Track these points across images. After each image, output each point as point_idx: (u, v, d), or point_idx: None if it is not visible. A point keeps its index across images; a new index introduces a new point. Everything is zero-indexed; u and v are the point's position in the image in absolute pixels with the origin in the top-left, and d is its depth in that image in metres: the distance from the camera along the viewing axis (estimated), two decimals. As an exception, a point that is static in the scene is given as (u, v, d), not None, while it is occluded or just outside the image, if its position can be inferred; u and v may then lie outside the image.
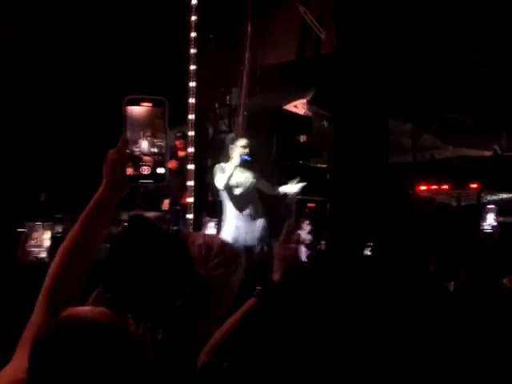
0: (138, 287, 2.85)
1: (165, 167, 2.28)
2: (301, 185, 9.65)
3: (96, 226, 2.32)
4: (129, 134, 2.27)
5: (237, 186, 9.58)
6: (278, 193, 9.81)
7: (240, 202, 9.61)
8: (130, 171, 2.27)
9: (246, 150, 9.49)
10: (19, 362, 2.07)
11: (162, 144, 2.29)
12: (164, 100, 2.31)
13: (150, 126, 2.28)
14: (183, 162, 11.31)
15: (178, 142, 11.56)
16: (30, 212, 10.60)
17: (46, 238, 3.94)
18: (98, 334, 1.85)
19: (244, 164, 9.51)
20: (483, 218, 6.50)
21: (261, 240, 9.60)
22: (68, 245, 2.29)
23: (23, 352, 2.08)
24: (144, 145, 2.27)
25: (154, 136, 2.28)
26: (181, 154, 11.46)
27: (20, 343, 2.16)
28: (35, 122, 12.22)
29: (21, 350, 2.13)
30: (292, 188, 9.67)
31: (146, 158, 2.27)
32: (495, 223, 6.08)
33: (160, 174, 2.27)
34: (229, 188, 9.54)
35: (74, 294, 2.17)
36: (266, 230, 9.64)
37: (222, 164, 9.66)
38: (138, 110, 2.29)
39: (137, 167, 2.27)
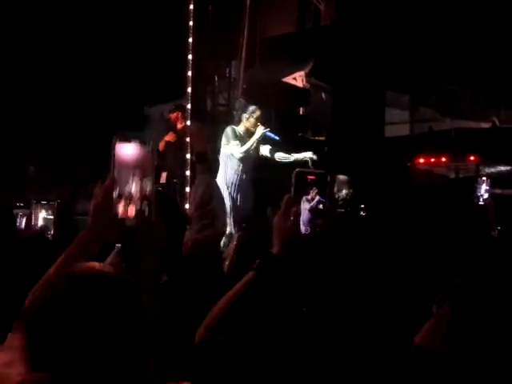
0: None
1: (151, 208, 2.24)
2: (306, 155, 9.72)
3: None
4: (116, 174, 2.23)
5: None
6: (282, 159, 9.72)
7: (243, 172, 9.57)
8: (117, 212, 2.23)
9: (263, 126, 9.47)
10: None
11: (150, 183, 2.26)
12: (150, 141, 2.29)
13: (138, 166, 2.25)
14: (181, 134, 11.26)
15: (172, 116, 11.50)
16: (20, 186, 10.62)
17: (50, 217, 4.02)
18: (106, 285, 1.91)
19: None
20: (477, 191, 6.47)
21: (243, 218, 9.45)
22: (43, 283, 2.24)
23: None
24: (133, 185, 2.23)
25: (142, 176, 2.25)
26: (179, 126, 11.42)
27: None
28: (27, 96, 12.18)
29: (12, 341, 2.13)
30: (297, 156, 9.70)
31: (134, 199, 2.23)
32: (486, 195, 6.04)
33: (146, 215, 2.24)
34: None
35: None
36: (249, 211, 9.52)
37: (234, 127, 9.62)
38: (127, 150, 2.25)
39: (124, 208, 2.23)
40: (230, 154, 9.52)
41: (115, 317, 1.87)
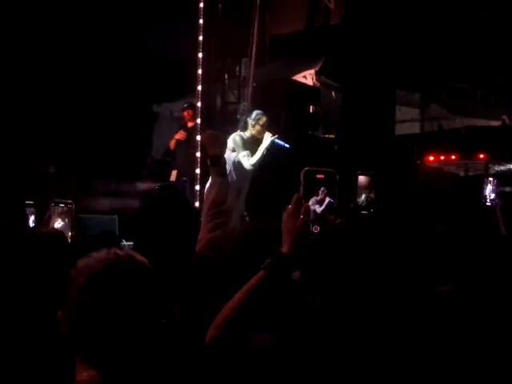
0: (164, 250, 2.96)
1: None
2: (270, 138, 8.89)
3: None
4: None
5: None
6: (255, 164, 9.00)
7: (236, 179, 9.12)
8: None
9: (271, 133, 8.86)
10: None
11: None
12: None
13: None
14: (192, 132, 11.30)
15: (185, 113, 11.55)
16: (40, 184, 10.66)
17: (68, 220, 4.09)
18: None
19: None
20: (484, 190, 6.41)
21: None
22: None
23: None
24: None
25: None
26: (190, 124, 11.46)
27: None
28: (45, 93, 12.24)
29: None
30: (264, 145, 8.90)
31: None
32: (493, 195, 5.99)
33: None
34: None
35: None
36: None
37: (241, 134, 9.01)
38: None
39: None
40: (235, 161, 8.97)
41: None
